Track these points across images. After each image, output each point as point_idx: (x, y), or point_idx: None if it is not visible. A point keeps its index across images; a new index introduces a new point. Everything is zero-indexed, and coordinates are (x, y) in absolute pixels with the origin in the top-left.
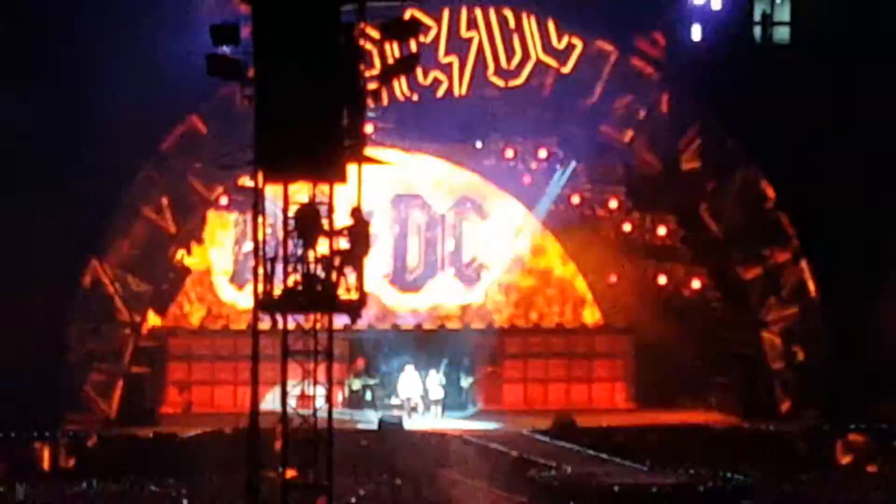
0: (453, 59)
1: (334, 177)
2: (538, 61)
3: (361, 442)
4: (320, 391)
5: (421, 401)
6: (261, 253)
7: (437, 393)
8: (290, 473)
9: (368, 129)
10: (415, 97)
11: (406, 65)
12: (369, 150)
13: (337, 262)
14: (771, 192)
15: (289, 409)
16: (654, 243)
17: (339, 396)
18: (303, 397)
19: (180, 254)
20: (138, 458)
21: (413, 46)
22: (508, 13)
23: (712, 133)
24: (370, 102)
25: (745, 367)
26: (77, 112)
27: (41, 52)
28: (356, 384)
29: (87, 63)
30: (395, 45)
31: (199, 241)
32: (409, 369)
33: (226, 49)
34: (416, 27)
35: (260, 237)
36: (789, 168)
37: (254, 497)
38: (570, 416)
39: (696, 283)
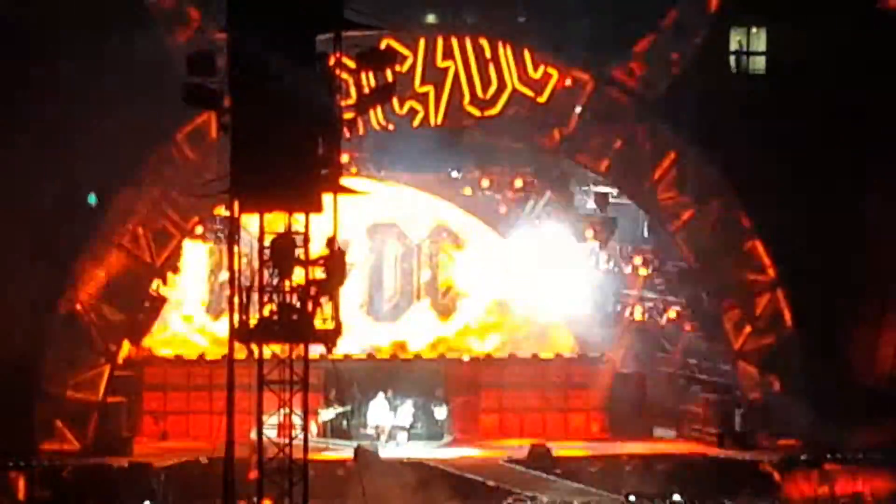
0: (429, 89)
1: (310, 206)
2: (514, 91)
3: (337, 471)
4: (296, 421)
5: (389, 428)
6: (236, 283)
7: (404, 420)
8: (266, 503)
9: (344, 158)
10: (391, 127)
11: (382, 94)
12: (345, 180)
13: (312, 291)
14: (746, 222)
15: (264, 439)
16: (630, 273)
17: (313, 426)
18: (278, 426)
19: (156, 283)
20: (113, 487)
21: (389, 76)
22: (484, 43)
23: (688, 162)
24: (346, 132)
25: (721, 397)
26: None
27: (19, 80)
28: (328, 413)
29: (65, 92)
30: (371, 75)
31: (175, 270)
32: (380, 397)
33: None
34: (391, 57)
35: (236, 267)
36: (765, 197)
37: None
38: (546, 446)
39: (671, 313)
